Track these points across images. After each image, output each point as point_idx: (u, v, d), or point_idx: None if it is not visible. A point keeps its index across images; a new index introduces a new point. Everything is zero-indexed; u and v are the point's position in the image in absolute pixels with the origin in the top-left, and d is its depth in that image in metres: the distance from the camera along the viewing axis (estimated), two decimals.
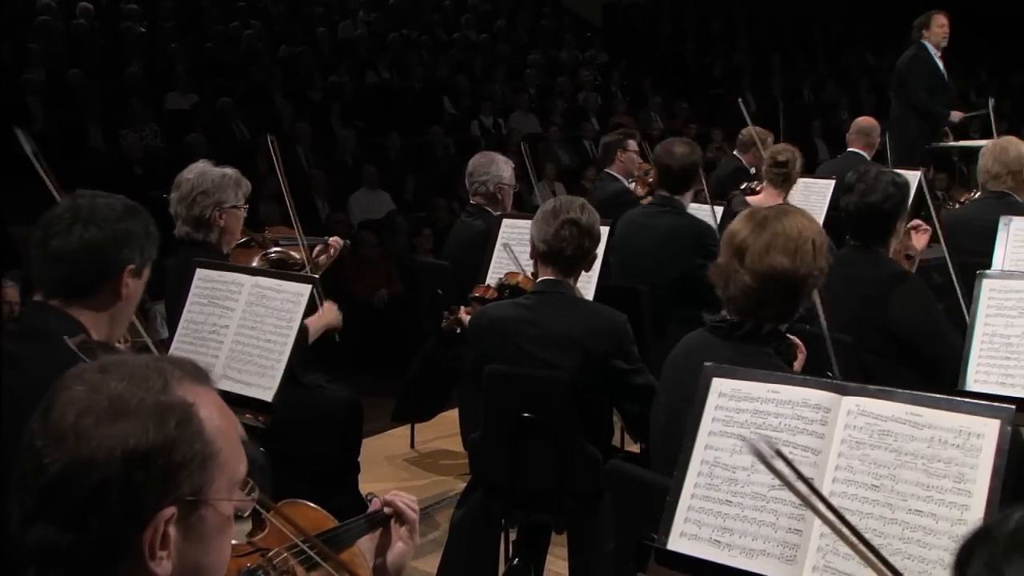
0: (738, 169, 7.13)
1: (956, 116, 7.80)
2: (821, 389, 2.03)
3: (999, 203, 4.39)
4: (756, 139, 6.85)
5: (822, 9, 16.71)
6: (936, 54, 7.66)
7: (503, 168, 4.82)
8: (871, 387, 2.00)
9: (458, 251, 4.86)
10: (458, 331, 3.75)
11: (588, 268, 3.21)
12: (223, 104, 9.95)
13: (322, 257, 3.83)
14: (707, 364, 2.16)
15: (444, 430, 5.36)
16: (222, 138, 9.60)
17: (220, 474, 1.21)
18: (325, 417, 3.74)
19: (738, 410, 2.10)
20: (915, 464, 1.89)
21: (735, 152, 7.43)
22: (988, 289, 3.10)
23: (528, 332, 3.08)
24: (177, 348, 3.18)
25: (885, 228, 3.50)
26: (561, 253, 3.09)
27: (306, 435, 3.57)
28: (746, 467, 2.04)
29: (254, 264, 3.62)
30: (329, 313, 3.65)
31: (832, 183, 5.93)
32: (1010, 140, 4.60)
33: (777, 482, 1.99)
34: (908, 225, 3.75)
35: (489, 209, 4.78)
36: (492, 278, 4.20)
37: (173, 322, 3.27)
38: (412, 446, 5.35)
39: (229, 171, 3.65)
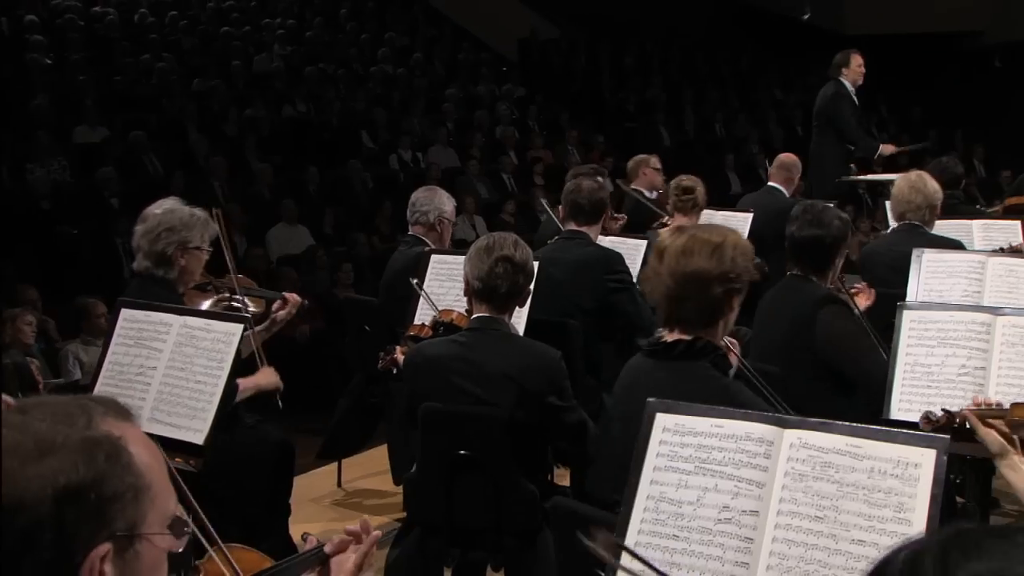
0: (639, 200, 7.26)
1: (888, 149, 8.06)
2: (763, 423, 2.07)
3: (913, 234, 4.55)
4: (635, 166, 7.03)
5: (732, 45, 17.20)
6: (852, 91, 7.95)
7: (445, 202, 4.85)
8: (811, 420, 2.05)
9: (394, 280, 4.83)
10: (395, 371, 3.72)
11: (522, 304, 3.23)
12: (135, 138, 9.75)
13: (280, 312, 3.76)
14: (650, 400, 2.18)
15: (371, 468, 5.30)
16: (134, 172, 9.40)
17: (152, 508, 1.19)
18: (256, 458, 3.66)
19: (682, 444, 2.12)
20: (857, 495, 1.94)
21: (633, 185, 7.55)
22: (909, 320, 3.21)
23: (464, 370, 3.07)
24: (101, 390, 3.08)
25: (825, 260, 3.62)
26: (496, 290, 3.09)
27: (237, 476, 3.49)
28: (692, 501, 2.06)
29: (205, 308, 3.54)
30: (265, 376, 3.57)
31: (750, 216, 6.09)
32: (923, 174, 4.79)
33: (724, 515, 2.04)
34: (851, 289, 3.88)
35: (426, 240, 4.78)
36: (423, 315, 4.19)
37: (101, 363, 3.17)
38: (339, 485, 5.26)
39: (198, 212, 3.59)
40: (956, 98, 15.43)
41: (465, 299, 4.17)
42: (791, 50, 16.99)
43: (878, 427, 2.01)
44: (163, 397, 3.02)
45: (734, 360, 3.79)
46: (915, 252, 4.32)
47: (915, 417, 3.09)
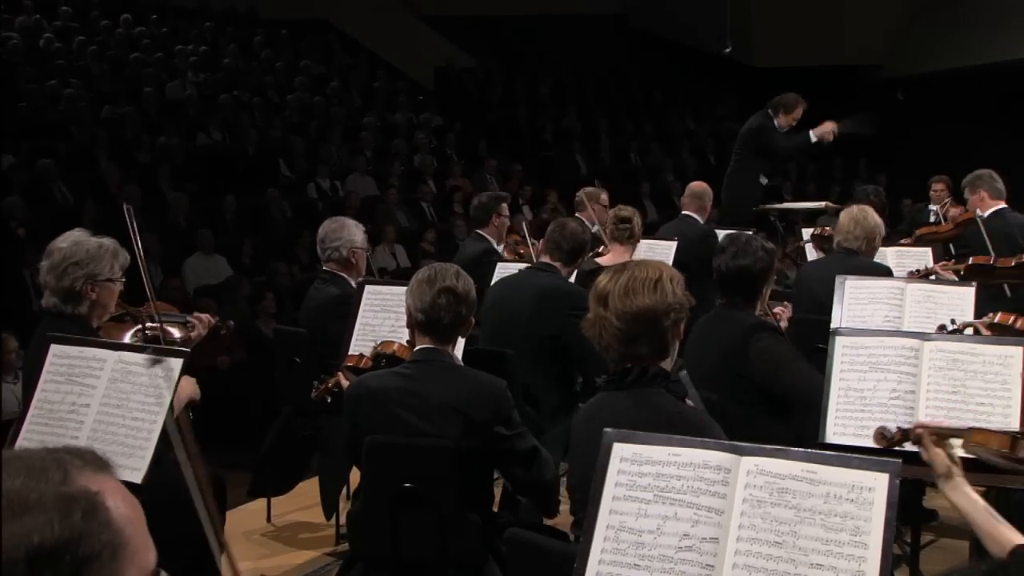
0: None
1: (821, 129, 8.21)
2: (720, 451, 2.11)
3: (847, 260, 4.72)
4: (584, 199, 7.11)
5: (645, 76, 17.55)
6: (778, 130, 8.17)
7: (355, 232, 4.78)
8: (767, 447, 2.09)
9: (312, 318, 4.77)
10: (328, 400, 3.66)
11: (465, 335, 3.22)
12: (43, 166, 9.47)
13: (193, 333, 3.67)
14: (607, 430, 2.20)
15: (302, 502, 5.20)
16: (43, 201, 9.13)
17: (131, 565, 1.14)
18: (187, 496, 3.55)
19: (640, 474, 2.14)
20: (814, 520, 1.98)
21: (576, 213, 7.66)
22: (841, 346, 3.30)
23: (408, 402, 3.05)
24: (31, 430, 2.97)
25: (753, 289, 3.71)
26: (439, 321, 3.08)
27: (168, 517, 3.38)
28: (652, 530, 2.08)
29: (126, 340, 3.43)
30: (186, 388, 3.49)
31: (674, 244, 6.21)
32: (865, 209, 5.01)
33: (684, 543, 2.06)
34: (774, 309, 3.97)
35: (343, 275, 4.73)
36: (357, 346, 4.15)
37: (29, 401, 3.05)
38: (269, 520, 5.15)
39: (107, 242, 3.47)
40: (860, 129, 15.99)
41: (403, 331, 4.22)
42: (702, 81, 17.43)
43: (833, 452, 2.06)
44: (97, 436, 2.92)
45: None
46: (838, 279, 4.47)
47: (849, 440, 3.20)
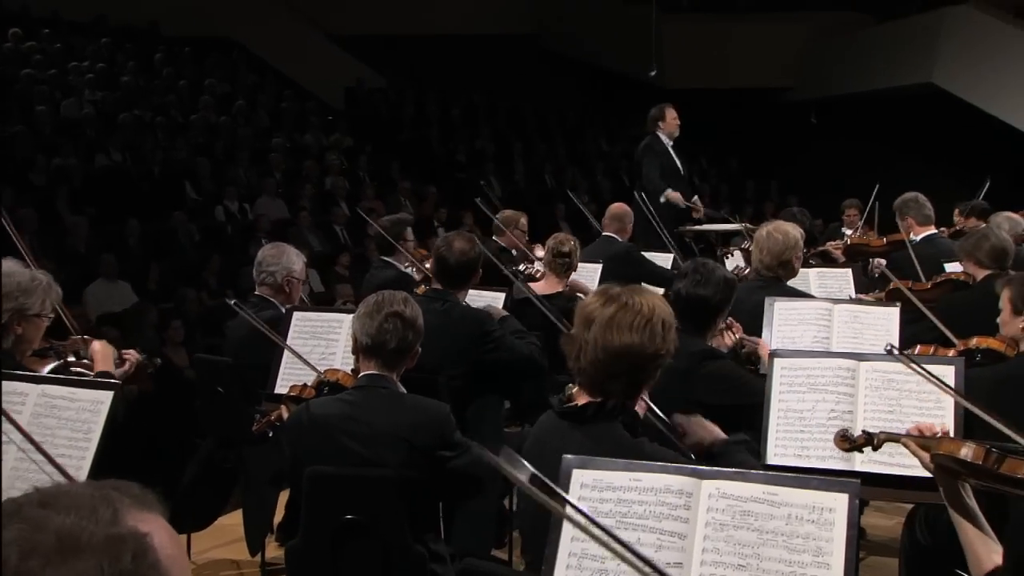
0: (501, 250, 7.40)
1: (672, 196, 8.38)
2: (681, 475, 2.15)
3: (769, 284, 4.81)
4: (502, 224, 7.18)
5: (558, 98, 17.78)
6: (670, 144, 8.34)
7: (294, 260, 4.72)
8: (727, 470, 2.15)
9: (239, 346, 4.69)
10: (270, 433, 3.61)
11: (412, 363, 3.21)
12: None
13: (119, 371, 3.58)
14: (566, 456, 2.22)
15: (223, 538, 5.08)
16: None
17: None
18: None
19: (602, 500, 2.17)
20: (776, 541, 2.04)
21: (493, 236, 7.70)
22: (780, 368, 3.40)
23: (352, 429, 3.03)
24: None
25: (709, 319, 3.76)
26: (384, 347, 3.08)
27: None
28: (615, 557, 2.10)
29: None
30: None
31: (600, 267, 6.30)
32: (784, 225, 5.04)
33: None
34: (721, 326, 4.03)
35: (275, 301, 4.67)
36: (286, 375, 4.10)
37: None
38: (188, 558, 5.01)
39: (40, 276, 3.36)
40: (771, 151, 16.50)
41: (332, 358, 4.18)
42: (615, 102, 17.74)
43: (792, 474, 2.12)
44: (19, 474, 2.82)
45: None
46: (767, 301, 4.58)
47: (790, 461, 3.29)
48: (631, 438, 2.43)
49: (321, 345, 4.12)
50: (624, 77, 17.43)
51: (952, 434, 3.15)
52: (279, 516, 4.69)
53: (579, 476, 2.20)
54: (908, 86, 14.63)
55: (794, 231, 4.89)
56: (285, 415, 3.45)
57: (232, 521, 4.97)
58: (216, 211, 11.43)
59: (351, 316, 4.20)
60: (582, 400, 2.51)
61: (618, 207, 7.32)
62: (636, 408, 2.54)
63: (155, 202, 10.77)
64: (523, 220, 6.96)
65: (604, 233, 7.24)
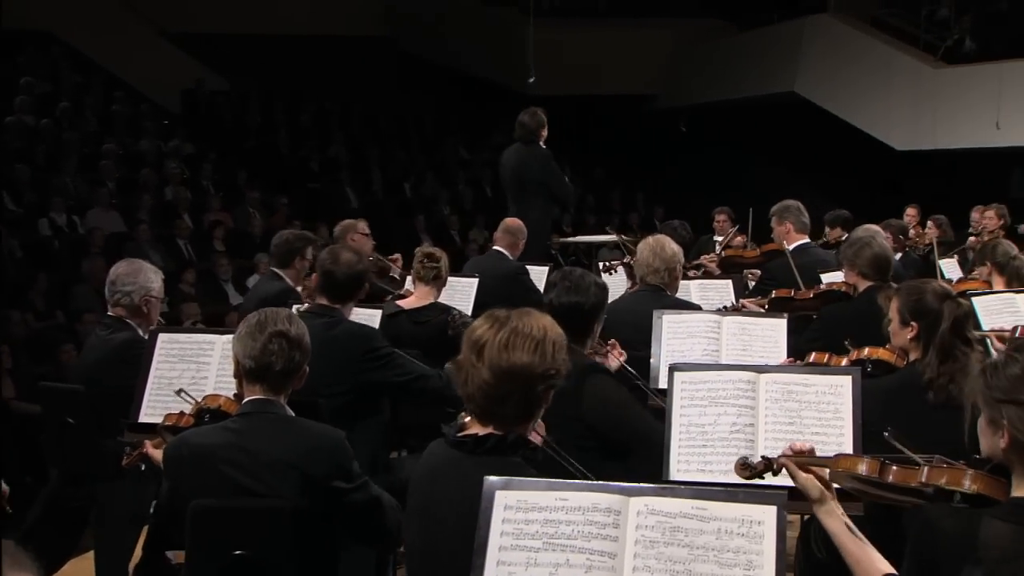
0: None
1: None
2: (608, 492, 2.21)
3: (654, 296, 4.97)
4: (341, 231, 7.12)
5: (415, 104, 17.79)
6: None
7: (152, 278, 4.59)
8: (654, 486, 2.22)
9: (92, 371, 4.53)
10: (143, 468, 3.50)
11: (299, 384, 3.18)
12: None
13: None
14: (488, 478, 2.25)
15: None
16: None
17: None
18: None
19: (527, 521, 2.21)
20: (707, 556, 2.12)
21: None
22: (680, 381, 3.52)
23: (238, 459, 2.97)
24: None
25: (587, 326, 3.85)
26: (270, 369, 3.03)
27: None
28: None
29: None
30: None
31: (476, 280, 6.34)
32: (662, 238, 5.22)
33: None
34: (606, 346, 4.12)
35: (131, 322, 4.53)
36: (153, 402, 3.99)
37: None
38: None
39: None
40: (638, 160, 16.96)
41: (204, 383, 4.07)
42: (475, 109, 17.88)
43: (720, 488, 2.21)
44: None
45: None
46: (655, 314, 4.73)
47: (693, 477, 3.41)
48: (532, 471, 2.46)
49: (191, 369, 4.03)
50: (485, 82, 17.60)
51: (851, 443, 3.36)
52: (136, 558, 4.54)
53: (502, 498, 2.23)
54: (773, 95, 15.30)
55: (674, 244, 5.09)
56: (156, 447, 3.35)
57: (84, 563, 4.78)
58: (40, 224, 10.99)
59: (224, 337, 4.15)
60: (475, 429, 2.53)
61: (513, 222, 7.27)
62: (532, 437, 2.59)
63: None
64: (361, 224, 6.84)
65: (494, 247, 7.20)
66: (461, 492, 2.24)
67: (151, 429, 3.81)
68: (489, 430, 2.51)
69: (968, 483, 2.28)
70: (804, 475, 2.49)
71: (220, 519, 2.97)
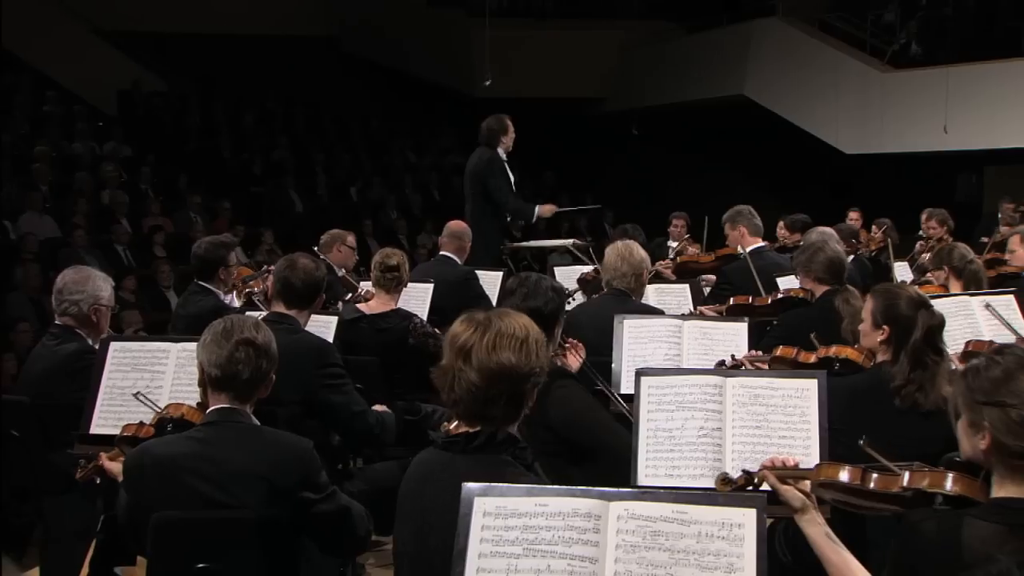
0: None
1: (546, 210, 8.56)
2: (588, 497, 2.24)
3: (618, 300, 5.04)
4: (330, 241, 7.14)
5: (361, 106, 17.73)
6: (505, 159, 8.46)
7: (101, 286, 4.53)
8: (633, 490, 2.27)
9: (39, 382, 4.46)
10: (97, 481, 3.46)
11: (265, 393, 3.17)
12: None
13: None
14: (467, 485, 2.28)
15: None
16: None
17: None
18: None
19: (507, 528, 2.24)
20: (689, 560, 2.17)
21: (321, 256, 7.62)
22: (647, 386, 3.56)
23: (203, 470, 2.95)
24: None
25: (547, 330, 3.85)
26: (236, 377, 3.02)
27: None
28: None
29: None
30: None
31: (431, 287, 6.34)
32: (630, 244, 5.29)
33: None
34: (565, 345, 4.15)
35: (80, 332, 4.48)
36: (105, 413, 3.94)
37: None
38: None
39: None
40: (586, 163, 17.07)
41: (159, 392, 4.04)
42: (422, 111, 17.88)
43: (700, 491, 2.26)
44: None
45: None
46: (616, 318, 4.78)
47: (661, 482, 3.46)
48: (522, 469, 2.51)
49: (145, 378, 3.99)
50: (432, 85, 17.60)
51: (818, 446, 3.43)
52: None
53: (481, 504, 2.26)
54: (722, 98, 15.50)
55: (642, 250, 5.17)
56: (112, 459, 3.31)
57: None
58: None
59: (179, 345, 4.13)
60: (463, 429, 2.57)
61: (457, 225, 7.27)
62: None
63: None
64: (350, 237, 6.92)
65: (441, 252, 7.22)
66: (453, 492, 2.27)
67: (103, 441, 3.78)
68: (478, 428, 2.56)
69: (949, 485, 2.35)
70: (785, 487, 2.55)
71: (184, 532, 2.96)
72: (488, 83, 13.77)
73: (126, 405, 3.95)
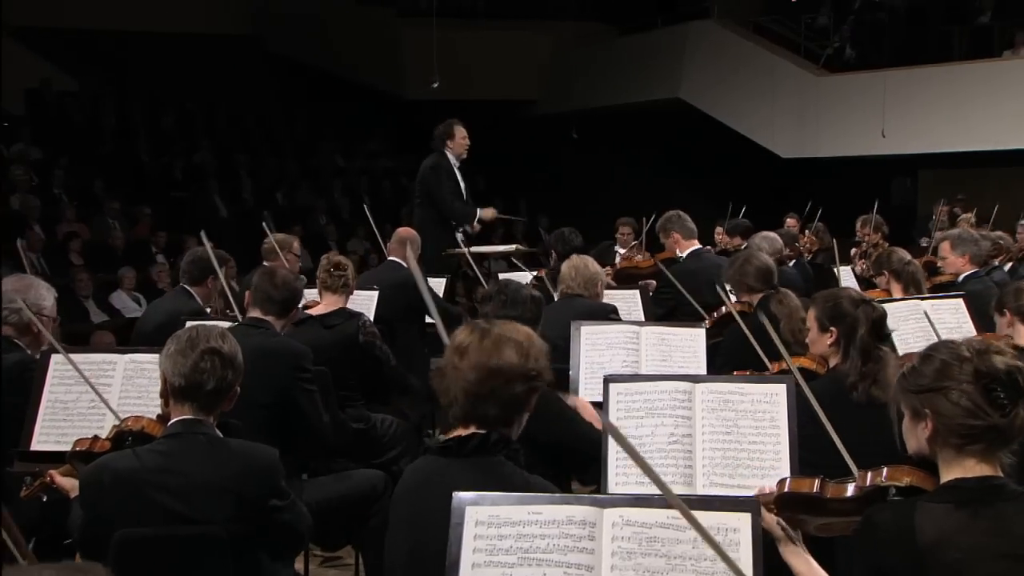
0: None
1: (487, 213, 8.65)
2: (581, 504, 2.29)
3: (573, 304, 5.12)
4: (275, 247, 7.10)
5: (285, 108, 17.58)
6: (456, 164, 8.52)
7: (44, 295, 4.45)
8: (627, 496, 2.31)
9: None
10: (44, 499, 3.40)
11: (229, 405, 3.16)
12: None
13: None
14: (457, 494, 2.31)
15: None
16: None
17: None
18: None
19: (500, 536, 2.27)
20: (685, 566, 2.22)
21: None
22: (615, 393, 3.62)
23: (166, 483, 2.93)
24: None
25: None
26: (201, 387, 3.02)
27: None
28: None
29: None
30: None
31: (376, 293, 6.35)
32: (585, 258, 5.47)
33: None
34: None
35: (19, 343, 4.40)
36: (47, 427, 3.88)
37: None
38: None
39: None
40: (519, 168, 17.13)
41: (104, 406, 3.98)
42: (350, 113, 17.78)
43: (694, 496, 2.32)
44: None
45: None
46: (573, 325, 4.84)
47: (631, 489, 3.49)
48: (518, 471, 2.55)
49: (90, 392, 3.93)
50: (360, 86, 17.53)
51: (788, 450, 3.53)
52: None
53: (473, 514, 2.29)
54: (658, 101, 15.70)
55: (596, 264, 5.40)
56: (62, 479, 3.27)
57: None
58: None
59: (127, 357, 4.09)
60: (457, 432, 2.61)
61: (405, 231, 7.38)
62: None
63: None
64: (296, 243, 6.91)
65: (389, 258, 7.31)
66: (448, 498, 2.29)
67: (46, 458, 3.72)
68: (472, 430, 2.59)
69: (902, 476, 2.48)
70: (768, 516, 2.63)
71: (149, 549, 2.93)
72: (436, 85, 13.78)
73: (70, 420, 3.90)
